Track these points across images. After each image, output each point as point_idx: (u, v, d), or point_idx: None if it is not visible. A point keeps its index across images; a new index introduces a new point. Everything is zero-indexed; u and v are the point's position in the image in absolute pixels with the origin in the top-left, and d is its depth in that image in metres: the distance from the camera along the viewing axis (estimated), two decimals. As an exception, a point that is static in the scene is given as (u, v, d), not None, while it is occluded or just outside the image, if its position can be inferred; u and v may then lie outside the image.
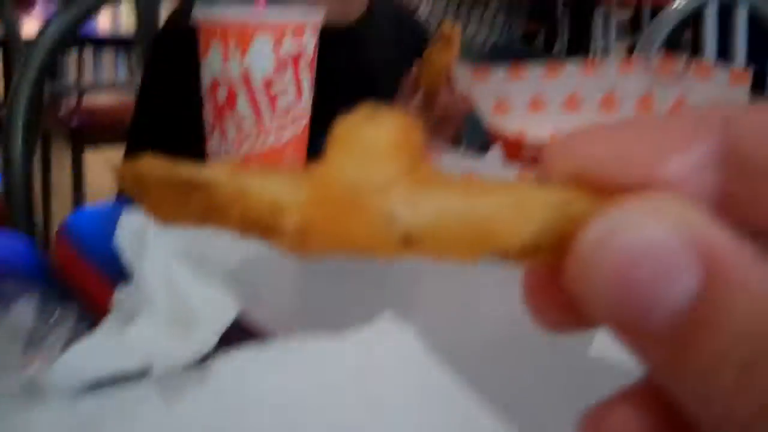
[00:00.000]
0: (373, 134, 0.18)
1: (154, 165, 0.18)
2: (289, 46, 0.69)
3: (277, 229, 0.18)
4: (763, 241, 0.17)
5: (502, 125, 0.91)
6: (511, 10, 3.22)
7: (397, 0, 1.26)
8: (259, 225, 0.18)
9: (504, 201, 0.18)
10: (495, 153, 0.91)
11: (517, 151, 0.90)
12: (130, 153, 1.03)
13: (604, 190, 0.18)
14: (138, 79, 1.09)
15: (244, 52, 0.68)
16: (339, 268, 0.71)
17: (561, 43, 3.73)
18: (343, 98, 1.02)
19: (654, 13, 3.16)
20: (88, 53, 3.21)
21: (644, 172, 0.18)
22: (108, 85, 3.41)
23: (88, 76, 3.30)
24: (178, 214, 0.18)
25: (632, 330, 0.16)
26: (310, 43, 0.71)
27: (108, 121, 2.44)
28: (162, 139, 0.99)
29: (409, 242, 0.18)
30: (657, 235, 0.16)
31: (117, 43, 2.98)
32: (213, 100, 0.71)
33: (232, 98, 0.70)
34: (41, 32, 1.11)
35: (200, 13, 0.70)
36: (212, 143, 0.73)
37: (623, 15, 3.94)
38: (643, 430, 0.18)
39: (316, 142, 0.78)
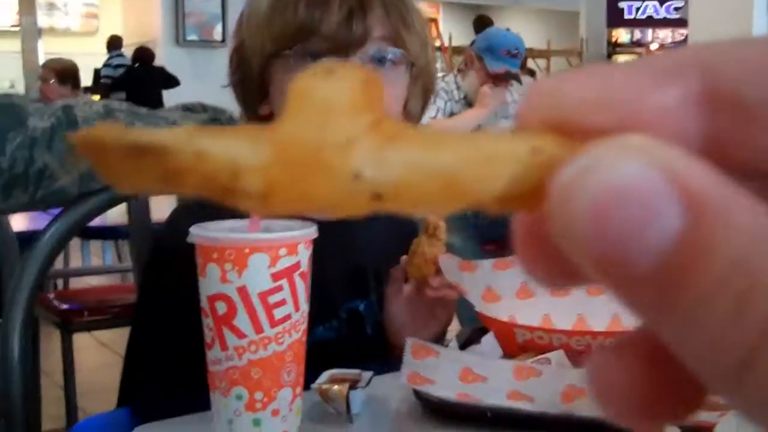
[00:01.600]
0: (332, 89, 0.17)
1: (110, 131, 0.17)
2: (284, 262, 0.73)
3: (239, 191, 0.17)
4: (753, 184, 0.16)
5: (493, 313, 0.93)
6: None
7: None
8: (218, 188, 0.17)
9: (472, 154, 0.17)
10: (490, 338, 0.93)
11: (510, 337, 0.92)
12: (131, 370, 1.03)
13: (580, 134, 0.17)
14: (125, 265, 1.11)
15: (240, 271, 0.71)
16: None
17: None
18: (334, 289, 1.05)
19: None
20: (74, 239, 3.25)
21: (622, 113, 0.17)
22: (95, 269, 3.44)
23: (75, 261, 3.33)
24: (137, 180, 0.18)
25: (615, 273, 0.15)
26: (304, 256, 0.74)
27: (96, 304, 2.44)
28: (161, 354, 1.00)
29: (378, 198, 0.17)
30: (635, 173, 0.15)
31: (104, 232, 3.03)
32: (212, 313, 0.74)
33: (231, 312, 0.73)
34: (44, 232, 1.12)
35: (196, 236, 0.73)
36: (213, 354, 0.74)
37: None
38: (641, 380, 0.17)
39: (311, 335, 0.80)
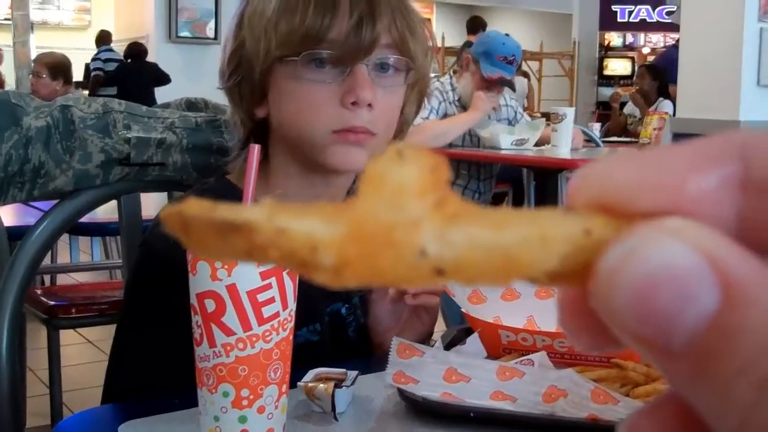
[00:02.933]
0: (402, 173, 0.19)
1: (197, 206, 0.19)
2: (274, 261, 0.74)
3: (315, 265, 0.18)
4: None
5: (479, 314, 0.94)
6: (480, 176, 3.35)
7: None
8: (297, 262, 0.18)
9: (529, 232, 0.18)
10: (474, 339, 0.94)
11: (494, 338, 0.93)
12: (117, 361, 1.03)
13: (626, 216, 0.18)
14: (113, 262, 1.11)
15: (230, 270, 0.72)
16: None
17: (528, 202, 3.85)
18: (317, 293, 1.06)
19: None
20: (63, 235, 3.24)
21: (665, 196, 0.18)
22: (83, 266, 3.43)
23: (63, 257, 3.33)
24: (221, 252, 0.19)
25: (654, 348, 0.17)
26: (294, 255, 0.75)
27: (83, 300, 2.44)
28: (147, 352, 1.00)
29: (441, 274, 0.18)
30: (675, 256, 0.16)
31: (93, 228, 3.02)
32: (201, 310, 0.75)
33: (220, 309, 0.74)
34: (34, 228, 1.13)
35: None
36: (201, 351, 0.75)
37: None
38: None
39: (294, 337, 0.81)
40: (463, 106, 3.26)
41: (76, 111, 1.08)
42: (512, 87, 3.39)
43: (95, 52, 8.14)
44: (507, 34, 3.50)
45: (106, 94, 6.27)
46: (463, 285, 0.19)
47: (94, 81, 7.63)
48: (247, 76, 1.01)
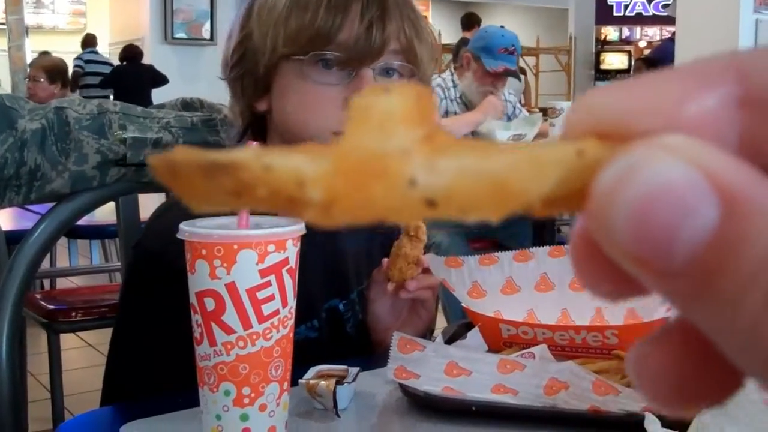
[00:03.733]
0: (388, 105, 0.19)
1: (185, 153, 0.19)
2: (272, 258, 0.73)
3: (303, 201, 0.18)
4: None
5: (479, 309, 0.94)
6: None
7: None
8: (285, 200, 0.18)
9: (519, 158, 0.18)
10: (475, 334, 0.94)
11: (495, 332, 0.93)
12: (114, 363, 1.03)
13: (623, 138, 0.18)
14: (112, 265, 1.11)
15: (229, 267, 0.72)
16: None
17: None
18: (316, 289, 1.05)
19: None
20: (62, 238, 3.23)
21: (662, 119, 0.18)
22: (82, 269, 3.43)
23: (62, 261, 3.32)
24: (211, 196, 0.19)
25: (655, 267, 0.16)
26: (292, 253, 0.75)
27: (83, 304, 2.44)
28: (146, 353, 1.00)
29: (432, 204, 0.18)
30: (673, 171, 0.16)
31: (92, 231, 3.02)
32: (201, 309, 0.74)
33: (220, 308, 0.73)
34: (32, 232, 1.12)
35: (185, 232, 0.74)
36: (201, 350, 0.75)
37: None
38: (679, 366, 0.18)
39: (297, 331, 0.81)
40: (465, 104, 3.25)
41: (71, 112, 1.08)
42: (518, 77, 3.39)
43: (80, 53, 8.24)
44: (502, 26, 3.51)
45: (102, 96, 6.28)
46: (458, 218, 0.18)
47: (74, 75, 7.66)
48: (251, 69, 1.00)
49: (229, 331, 0.74)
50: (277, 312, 0.75)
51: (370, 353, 1.06)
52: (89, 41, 8.37)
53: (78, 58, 8.18)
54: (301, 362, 0.84)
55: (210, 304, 0.74)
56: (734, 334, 0.16)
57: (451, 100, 3.24)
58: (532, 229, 3.14)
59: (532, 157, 0.18)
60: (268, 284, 0.74)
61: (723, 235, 0.16)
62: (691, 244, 0.16)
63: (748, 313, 0.15)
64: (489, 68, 3.15)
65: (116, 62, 7.82)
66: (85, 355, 3.36)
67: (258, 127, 1.04)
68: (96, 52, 8.22)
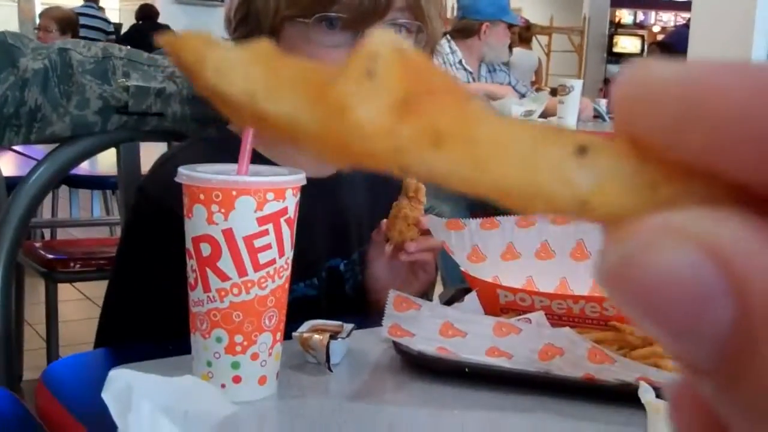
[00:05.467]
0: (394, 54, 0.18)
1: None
2: (270, 206, 0.72)
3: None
4: None
5: (477, 273, 0.93)
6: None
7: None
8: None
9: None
10: (472, 298, 0.93)
11: (493, 298, 0.92)
12: (111, 306, 1.03)
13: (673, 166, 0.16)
14: (113, 218, 1.10)
15: (227, 213, 0.71)
16: (325, 419, 0.71)
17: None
18: (318, 248, 1.05)
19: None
20: (63, 189, 3.23)
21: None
22: (83, 221, 3.43)
23: (63, 213, 3.32)
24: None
25: (683, 361, 0.15)
26: (291, 203, 0.74)
27: (83, 255, 2.44)
28: (141, 299, 0.99)
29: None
30: (680, 264, 0.14)
31: (93, 181, 3.01)
32: (196, 254, 0.74)
33: (215, 254, 0.73)
34: (29, 175, 1.12)
35: (183, 176, 0.73)
36: (195, 295, 0.75)
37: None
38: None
39: (292, 291, 0.80)
40: (465, 69, 3.26)
41: (75, 54, 1.06)
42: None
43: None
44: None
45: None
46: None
47: None
48: (254, 31, 0.99)
49: (224, 277, 0.73)
50: (273, 261, 0.74)
51: (367, 314, 1.05)
52: None
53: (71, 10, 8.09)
54: (297, 319, 0.83)
55: (206, 249, 0.73)
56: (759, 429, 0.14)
57: (451, 65, 3.25)
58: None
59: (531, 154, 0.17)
60: (266, 233, 0.73)
61: (742, 333, 0.14)
62: (709, 342, 0.14)
63: None
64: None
65: (115, 20, 7.73)
66: (82, 307, 3.37)
67: None
68: (93, 7, 8.05)
